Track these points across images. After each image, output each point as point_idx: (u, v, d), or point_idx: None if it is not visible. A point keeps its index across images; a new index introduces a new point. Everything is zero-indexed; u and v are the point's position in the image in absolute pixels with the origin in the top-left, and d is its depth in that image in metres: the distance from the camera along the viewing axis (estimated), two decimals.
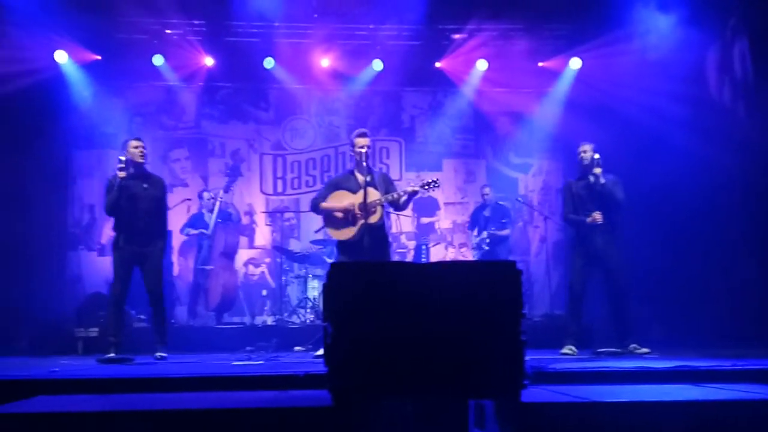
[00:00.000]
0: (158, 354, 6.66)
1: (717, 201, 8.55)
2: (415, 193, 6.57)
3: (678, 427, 3.41)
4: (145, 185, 6.84)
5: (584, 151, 7.36)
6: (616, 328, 7.23)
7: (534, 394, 3.64)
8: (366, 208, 6.52)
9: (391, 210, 7.08)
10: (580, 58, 10.55)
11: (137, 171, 6.85)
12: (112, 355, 6.48)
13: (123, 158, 6.72)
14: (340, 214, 6.68)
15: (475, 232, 10.44)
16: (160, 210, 6.95)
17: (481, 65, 10.89)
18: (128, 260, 6.76)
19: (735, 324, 8.13)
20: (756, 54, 8.53)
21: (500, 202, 10.50)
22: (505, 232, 10.25)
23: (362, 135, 6.80)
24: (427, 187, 6.58)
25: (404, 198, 6.62)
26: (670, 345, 7.72)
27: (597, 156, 7.26)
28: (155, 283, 6.82)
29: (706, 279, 8.69)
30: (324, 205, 6.78)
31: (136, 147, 6.84)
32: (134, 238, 6.73)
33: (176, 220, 10.32)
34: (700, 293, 8.72)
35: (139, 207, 6.75)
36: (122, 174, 6.67)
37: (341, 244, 6.78)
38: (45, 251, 10.04)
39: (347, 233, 6.66)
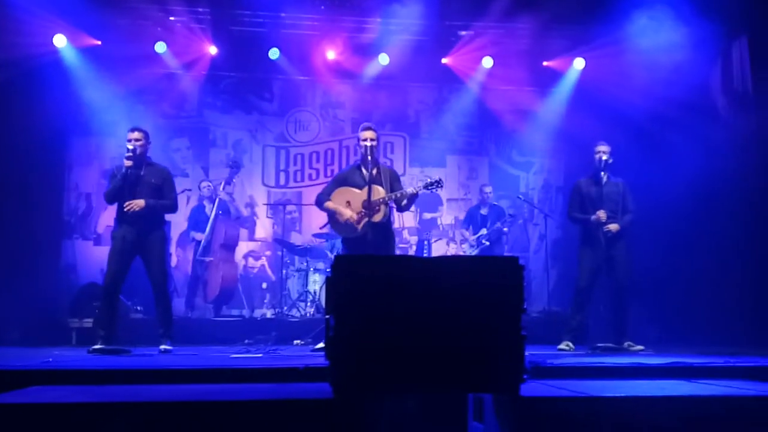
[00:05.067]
0: (163, 347, 6.62)
1: (712, 203, 8.62)
2: (416, 195, 6.53)
3: (672, 421, 3.50)
4: (143, 173, 6.77)
5: (603, 152, 7.40)
6: (615, 325, 7.32)
7: (532, 388, 3.70)
8: (370, 206, 6.47)
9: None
10: (584, 58, 10.52)
11: (138, 160, 6.77)
12: (100, 346, 6.38)
13: (131, 147, 6.68)
14: (344, 214, 6.62)
15: (470, 231, 10.38)
16: (158, 198, 6.82)
17: (487, 62, 10.83)
18: (127, 250, 6.69)
19: (728, 323, 8.22)
20: (756, 65, 8.59)
21: (494, 203, 10.47)
22: (505, 229, 10.25)
23: (366, 128, 6.76)
24: (429, 187, 6.54)
25: (404, 202, 6.58)
26: (665, 343, 7.82)
27: (608, 159, 7.36)
28: (160, 275, 6.78)
29: (700, 279, 8.77)
30: (328, 204, 6.73)
31: (129, 139, 6.77)
32: (133, 227, 6.67)
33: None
34: (695, 293, 8.82)
35: (137, 195, 6.69)
36: (128, 163, 6.64)
37: (346, 240, 6.76)
38: (39, 240, 9.75)
39: (351, 231, 6.62)
